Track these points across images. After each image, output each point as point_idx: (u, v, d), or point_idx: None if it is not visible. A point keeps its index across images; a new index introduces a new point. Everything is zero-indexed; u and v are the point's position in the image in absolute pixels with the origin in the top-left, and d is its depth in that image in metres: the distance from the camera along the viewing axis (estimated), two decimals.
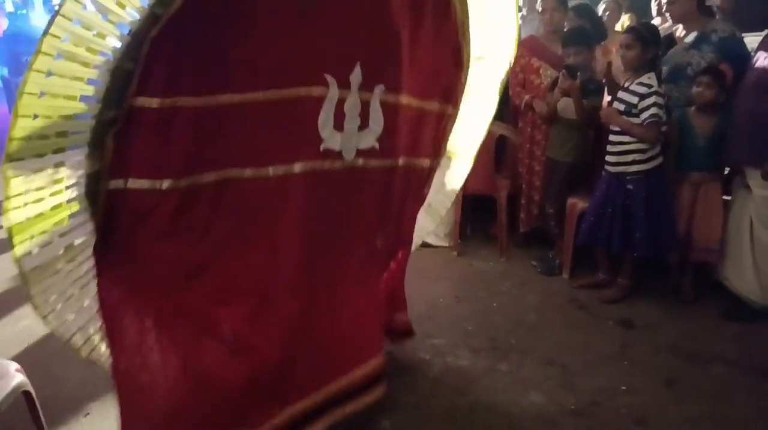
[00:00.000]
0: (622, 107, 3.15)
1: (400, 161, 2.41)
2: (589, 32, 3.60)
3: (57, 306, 1.80)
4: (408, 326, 2.80)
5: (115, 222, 1.72)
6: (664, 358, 2.84)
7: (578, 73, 3.37)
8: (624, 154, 3.18)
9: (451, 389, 2.60)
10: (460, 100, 2.61)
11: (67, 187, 1.67)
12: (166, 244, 1.83)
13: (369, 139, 2.22)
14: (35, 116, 1.55)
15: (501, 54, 2.65)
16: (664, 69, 3.35)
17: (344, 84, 2.05)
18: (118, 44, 1.61)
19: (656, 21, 4.13)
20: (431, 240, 4.19)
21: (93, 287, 1.76)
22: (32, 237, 1.64)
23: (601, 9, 4.50)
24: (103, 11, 1.57)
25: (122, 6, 1.58)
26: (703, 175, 3.22)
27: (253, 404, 1.99)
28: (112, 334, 1.74)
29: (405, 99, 2.30)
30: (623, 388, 2.60)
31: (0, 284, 3.74)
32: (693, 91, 3.14)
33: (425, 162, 2.59)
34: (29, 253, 1.65)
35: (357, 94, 2.10)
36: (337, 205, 2.21)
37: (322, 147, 2.07)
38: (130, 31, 1.60)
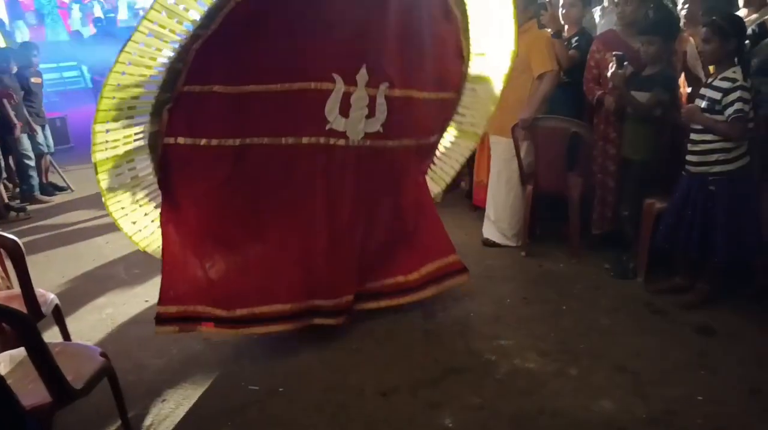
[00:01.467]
0: (704, 104, 2.99)
1: (405, 142, 3.06)
2: (663, 22, 3.44)
3: (127, 213, 2.83)
4: (460, 265, 3.30)
5: (169, 164, 2.67)
6: (747, 368, 2.69)
7: (626, 63, 3.31)
8: (707, 153, 3.02)
9: (517, 392, 2.57)
10: (463, 87, 3.30)
11: (135, 140, 2.64)
12: (200, 182, 2.73)
13: (375, 125, 2.89)
14: (113, 98, 2.45)
15: (500, 50, 3.25)
16: (754, 62, 3.16)
17: (351, 82, 2.75)
18: (172, 54, 2.49)
19: (742, 12, 3.88)
20: (498, 239, 4.15)
21: (151, 203, 2.86)
22: (109, 169, 2.63)
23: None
24: (160, 35, 2.44)
25: (173, 32, 2.45)
26: None
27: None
28: (164, 232, 2.75)
29: (414, 93, 2.96)
30: (700, 398, 2.48)
31: (85, 276, 4.00)
32: None
33: (433, 138, 3.32)
34: (106, 178, 2.64)
35: (364, 90, 2.79)
36: (344, 170, 2.91)
37: (327, 127, 2.80)
38: (180, 45, 2.47)
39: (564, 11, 3.95)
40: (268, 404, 2.55)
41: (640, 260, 3.55)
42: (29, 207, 5.51)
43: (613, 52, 3.38)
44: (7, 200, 5.39)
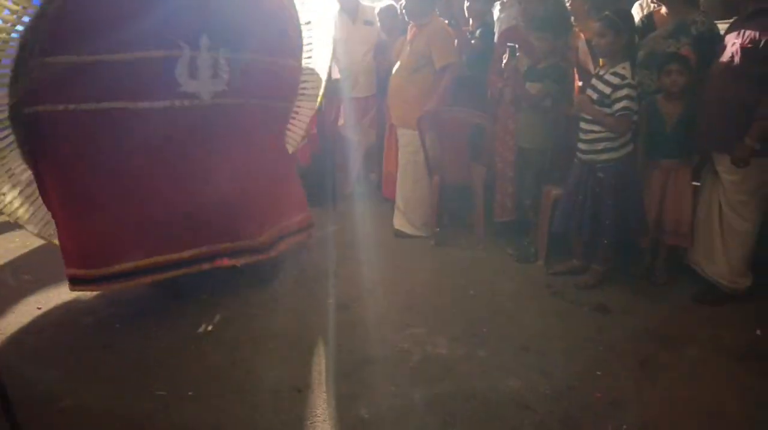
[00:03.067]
0: (594, 96, 3.18)
1: (253, 101, 3.39)
2: (553, 19, 3.61)
3: None
4: (310, 220, 3.76)
5: (35, 133, 2.83)
6: (639, 342, 2.90)
7: (517, 54, 3.50)
8: (595, 142, 3.22)
9: (430, 378, 2.63)
10: (301, 56, 3.66)
11: None
12: (64, 142, 2.88)
13: (220, 84, 3.21)
14: None
15: (320, 17, 3.70)
16: (640, 53, 3.38)
17: (196, 47, 3.07)
18: (21, 27, 2.64)
19: (637, 4, 4.11)
20: (408, 230, 4.21)
21: (18, 173, 3.00)
22: None
23: None
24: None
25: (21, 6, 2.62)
26: (672, 162, 3.28)
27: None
28: (44, 195, 2.95)
29: (252, 55, 3.30)
30: (599, 373, 2.65)
31: None
32: (662, 80, 3.18)
33: (282, 103, 3.66)
34: None
35: (208, 54, 3.11)
36: (202, 128, 3.20)
37: (180, 90, 3.07)
38: (30, 18, 2.63)
39: (468, 5, 4.06)
40: (176, 409, 2.45)
41: (540, 245, 3.74)
42: None
43: (507, 44, 3.52)
44: None
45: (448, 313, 3.19)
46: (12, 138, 2.87)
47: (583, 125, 3.27)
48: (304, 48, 3.68)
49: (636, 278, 3.49)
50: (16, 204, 3.13)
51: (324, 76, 3.88)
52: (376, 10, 4.73)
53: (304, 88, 3.83)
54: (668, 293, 3.37)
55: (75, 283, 2.94)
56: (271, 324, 3.09)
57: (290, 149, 3.89)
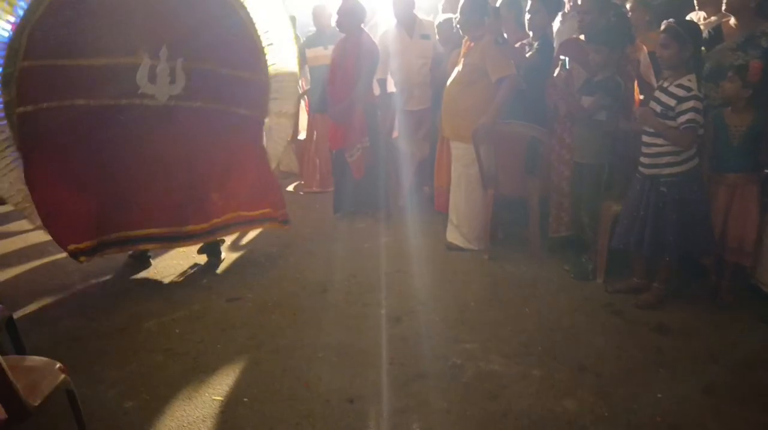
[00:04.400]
0: (658, 108, 3.09)
1: (212, 105, 3.86)
2: (610, 31, 3.53)
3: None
4: (287, 217, 4.11)
5: (25, 128, 3.38)
6: (702, 364, 2.78)
7: (567, 66, 3.45)
8: (658, 155, 3.13)
9: (483, 394, 2.59)
10: (266, 73, 4.03)
11: None
12: (48, 136, 3.43)
13: (177, 89, 3.71)
14: None
15: (283, 40, 4.07)
16: (706, 66, 3.28)
17: (155, 57, 3.61)
18: (8, 33, 3.24)
19: (698, 15, 4.00)
20: (461, 243, 4.19)
21: (14, 166, 3.44)
22: None
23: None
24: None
25: (7, 13, 3.23)
26: (739, 177, 3.15)
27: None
28: (30, 184, 3.41)
29: (209, 65, 3.80)
30: (659, 395, 2.55)
31: (41, 288, 3.87)
32: (721, 88, 3.08)
33: (244, 111, 4.01)
34: None
35: (166, 63, 3.64)
36: (159, 124, 3.70)
37: (139, 92, 3.62)
38: (14, 25, 3.23)
39: (529, 17, 4.02)
40: (231, 414, 2.51)
41: (599, 262, 3.64)
42: None
43: (560, 56, 3.47)
44: None
45: (502, 329, 3.14)
46: (9, 133, 3.39)
47: (645, 139, 3.18)
48: (272, 70, 4.10)
49: (700, 298, 3.36)
50: (20, 197, 3.53)
51: (294, 95, 4.36)
52: (435, 24, 4.75)
53: (278, 107, 4.22)
54: (734, 313, 3.22)
55: (76, 255, 3.43)
56: (323, 334, 3.13)
57: (273, 159, 4.31)
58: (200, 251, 4.16)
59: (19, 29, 3.24)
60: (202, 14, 3.76)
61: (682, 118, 2.98)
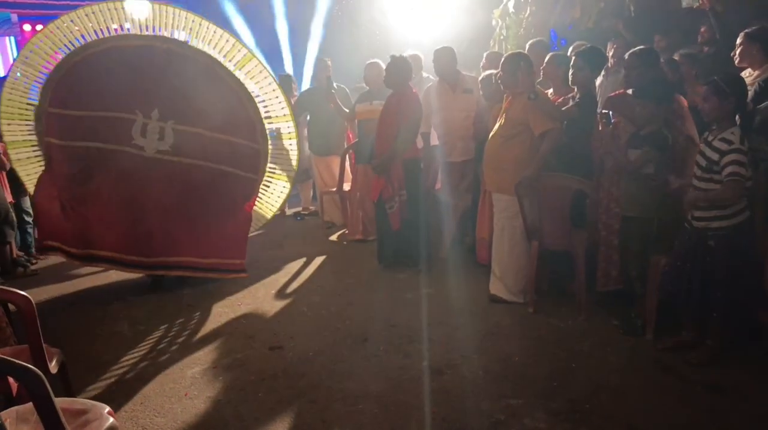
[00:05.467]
0: (703, 162, 3.06)
1: (199, 162, 4.52)
2: (654, 86, 3.53)
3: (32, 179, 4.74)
4: (242, 267, 4.60)
5: (47, 154, 4.56)
6: (758, 427, 2.63)
7: (612, 121, 3.42)
8: (706, 209, 3.07)
9: None
10: (261, 142, 4.66)
11: (30, 135, 4.68)
12: (61, 163, 4.51)
13: (164, 145, 4.49)
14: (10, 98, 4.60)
15: (280, 114, 4.84)
16: (757, 119, 3.23)
17: (148, 117, 4.47)
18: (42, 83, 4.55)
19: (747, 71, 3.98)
20: (505, 296, 4.14)
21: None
22: (17, 148, 4.74)
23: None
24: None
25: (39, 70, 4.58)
26: None
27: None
28: (36, 186, 4.60)
29: (200, 131, 4.49)
30: None
31: (90, 333, 3.98)
32: None
33: (230, 169, 4.59)
34: (18, 157, 4.76)
35: (156, 123, 4.47)
36: (143, 170, 4.48)
37: (133, 142, 4.47)
38: (45, 80, 4.53)
39: (572, 72, 4.05)
40: None
41: (648, 316, 3.53)
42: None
43: (602, 111, 3.48)
44: (15, 256, 5.42)
45: (547, 385, 3.06)
46: (41, 153, 4.64)
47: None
48: (271, 138, 4.78)
49: (755, 357, 3.20)
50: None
51: (290, 162, 4.99)
52: (480, 78, 4.85)
53: (274, 169, 4.90)
54: None
55: (44, 249, 4.58)
56: (363, 385, 3.10)
57: (266, 214, 5.11)
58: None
59: (48, 82, 4.47)
60: (195, 86, 4.45)
61: (725, 172, 2.94)
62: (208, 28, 4.56)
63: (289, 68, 10.28)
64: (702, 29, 4.86)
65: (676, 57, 4.44)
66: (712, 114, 3.05)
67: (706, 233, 3.07)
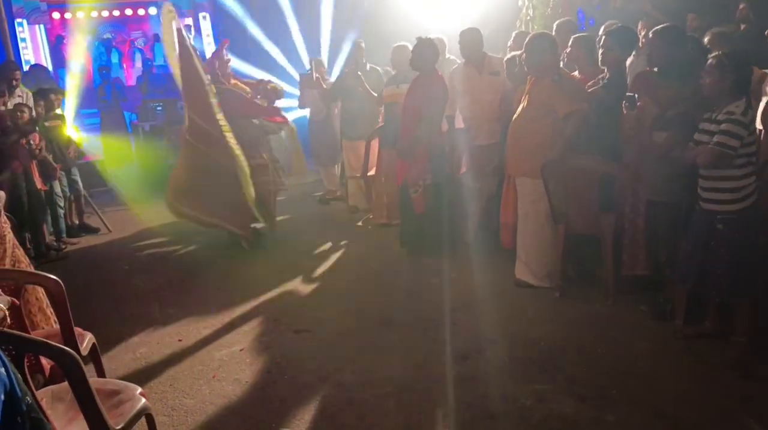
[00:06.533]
0: (705, 138, 2.98)
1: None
2: (680, 65, 3.43)
3: None
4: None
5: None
6: None
7: (637, 104, 3.37)
8: (713, 191, 3.01)
9: None
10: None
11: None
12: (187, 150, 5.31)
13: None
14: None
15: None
16: None
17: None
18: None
19: None
20: (531, 280, 4.10)
21: None
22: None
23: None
24: None
25: None
26: None
27: None
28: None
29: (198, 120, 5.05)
30: None
31: (120, 315, 4.06)
32: None
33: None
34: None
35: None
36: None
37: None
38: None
39: (602, 51, 3.96)
40: None
41: (677, 302, 3.46)
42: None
43: (626, 94, 3.41)
44: (47, 241, 5.54)
45: (574, 370, 3.03)
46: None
47: (702, 171, 3.06)
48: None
49: None
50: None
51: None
52: (505, 59, 4.77)
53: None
54: None
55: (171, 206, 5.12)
56: (388, 369, 3.11)
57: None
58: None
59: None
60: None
61: (714, 139, 2.89)
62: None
63: (325, 54, 10.31)
64: (741, 6, 4.71)
65: (707, 36, 4.30)
66: (712, 88, 2.99)
67: (715, 215, 3.01)
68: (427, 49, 4.68)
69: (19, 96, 5.62)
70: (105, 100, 10.41)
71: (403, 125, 4.85)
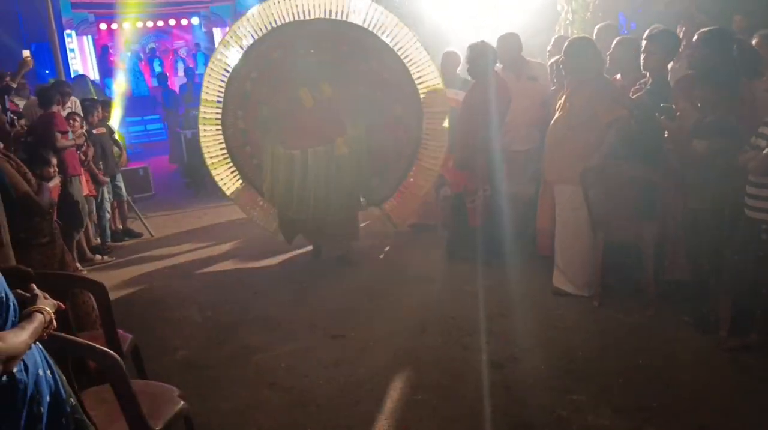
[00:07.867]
0: (763, 143, 2.88)
1: None
2: (717, 71, 3.32)
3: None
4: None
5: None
6: None
7: (676, 113, 3.30)
8: (759, 199, 2.91)
9: None
10: None
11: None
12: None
13: None
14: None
15: None
16: None
17: None
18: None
19: None
20: (569, 289, 4.04)
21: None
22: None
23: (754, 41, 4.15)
24: None
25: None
26: None
27: None
28: None
29: None
30: None
31: (161, 318, 4.16)
32: None
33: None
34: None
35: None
36: None
37: None
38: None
39: (644, 56, 3.88)
40: None
41: (722, 313, 3.36)
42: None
43: (661, 104, 3.32)
44: (93, 244, 5.73)
45: (612, 381, 2.97)
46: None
47: (751, 177, 2.95)
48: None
49: None
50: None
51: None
52: (549, 63, 4.72)
53: None
54: None
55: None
56: (422, 376, 3.11)
57: None
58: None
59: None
60: None
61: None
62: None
63: None
64: None
65: (755, 38, 4.16)
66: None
67: (760, 225, 2.90)
68: (479, 53, 4.53)
69: (68, 107, 5.84)
70: (167, 108, 10.71)
71: (460, 133, 4.70)
